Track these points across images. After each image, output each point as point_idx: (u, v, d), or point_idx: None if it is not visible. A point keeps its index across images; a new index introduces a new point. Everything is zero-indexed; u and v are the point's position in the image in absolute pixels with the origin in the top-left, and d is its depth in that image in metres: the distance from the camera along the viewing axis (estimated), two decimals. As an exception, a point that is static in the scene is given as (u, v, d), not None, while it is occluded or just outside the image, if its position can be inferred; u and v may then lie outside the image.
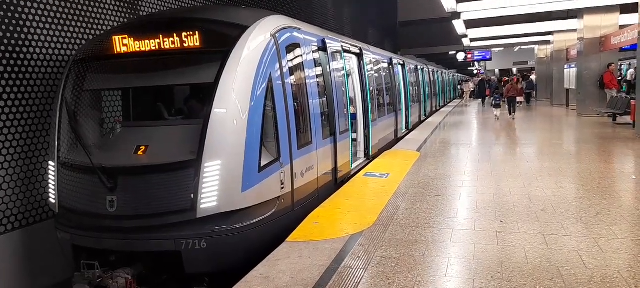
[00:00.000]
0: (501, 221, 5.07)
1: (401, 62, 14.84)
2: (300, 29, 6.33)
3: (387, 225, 5.06)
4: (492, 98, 20.50)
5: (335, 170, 7.11)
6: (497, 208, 5.56)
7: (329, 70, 7.16)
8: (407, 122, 14.84)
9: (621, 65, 22.64)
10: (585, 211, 5.31)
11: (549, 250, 4.16)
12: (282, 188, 5.17)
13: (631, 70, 21.53)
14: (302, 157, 5.74)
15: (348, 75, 8.74)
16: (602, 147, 10.24)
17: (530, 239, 4.47)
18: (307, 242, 4.59)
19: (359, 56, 9.33)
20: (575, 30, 19.01)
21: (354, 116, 9.23)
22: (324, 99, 6.91)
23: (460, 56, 34.61)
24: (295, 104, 5.73)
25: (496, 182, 7.03)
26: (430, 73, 23.59)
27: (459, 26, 19.27)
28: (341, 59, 8.00)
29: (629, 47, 15.63)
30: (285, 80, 5.43)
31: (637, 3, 11.85)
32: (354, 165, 8.43)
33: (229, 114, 4.65)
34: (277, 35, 5.43)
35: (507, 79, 24.17)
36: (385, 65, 12.49)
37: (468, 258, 4.08)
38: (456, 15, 15.34)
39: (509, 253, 4.14)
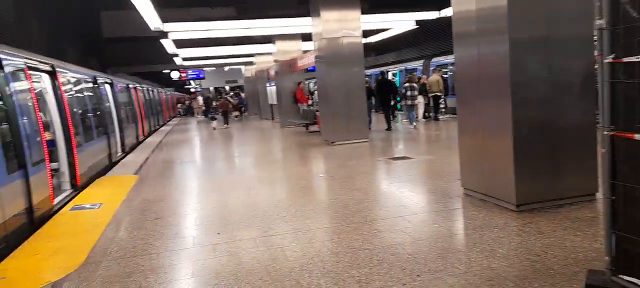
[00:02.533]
0: (219, 233, 5.30)
1: (109, 81, 13.80)
2: None
3: (99, 262, 4.57)
4: (208, 113, 23.75)
5: (30, 209, 6.00)
6: (216, 221, 5.80)
7: (8, 93, 5.99)
8: (122, 145, 13.89)
9: (309, 83, 27.13)
10: (287, 210, 6.11)
11: (258, 252, 4.59)
12: None
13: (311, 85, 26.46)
14: None
15: (39, 98, 7.53)
16: (299, 153, 12.05)
17: (244, 245, 4.82)
18: (-9, 305, 3.70)
19: (52, 74, 8.17)
20: (271, 53, 21.81)
21: (53, 143, 8.02)
22: (5, 126, 5.73)
23: (175, 74, 34.65)
24: None
25: (216, 195, 7.33)
26: (146, 92, 22.76)
27: (168, 45, 19.27)
28: (24, 78, 6.81)
29: (312, 68, 18.95)
30: None
31: (311, 33, 14.44)
32: (58, 199, 7.33)
33: None
34: None
35: (225, 95, 27.52)
36: (90, 84, 11.35)
37: (186, 278, 4.10)
38: (163, 34, 15.30)
39: (224, 263, 4.36)
